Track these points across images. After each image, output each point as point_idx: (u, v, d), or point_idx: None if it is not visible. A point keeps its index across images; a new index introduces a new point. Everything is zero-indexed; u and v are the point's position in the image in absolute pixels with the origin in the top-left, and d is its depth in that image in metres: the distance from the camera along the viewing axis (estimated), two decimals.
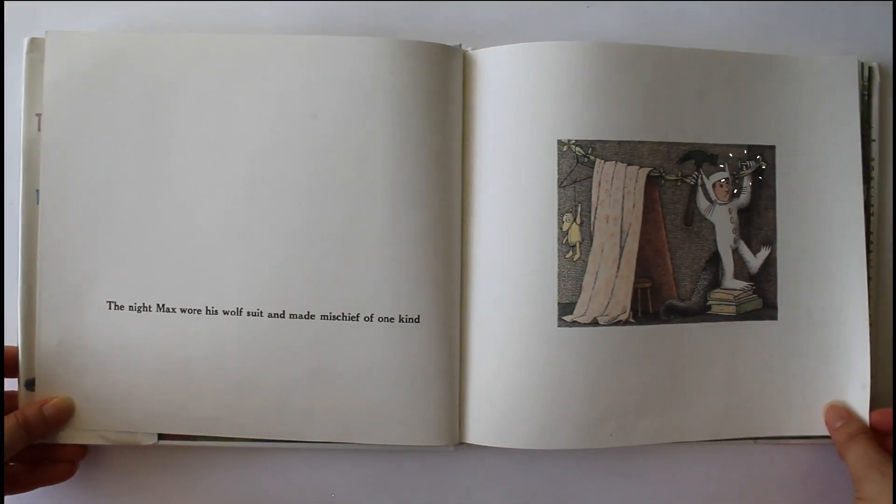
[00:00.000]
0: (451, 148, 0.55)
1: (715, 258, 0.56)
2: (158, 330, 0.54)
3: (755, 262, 0.57)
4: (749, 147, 0.57)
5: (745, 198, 0.57)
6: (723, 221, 0.57)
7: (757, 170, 0.57)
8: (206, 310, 0.54)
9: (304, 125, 0.54)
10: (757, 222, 0.57)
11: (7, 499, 0.53)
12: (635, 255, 0.56)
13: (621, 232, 0.55)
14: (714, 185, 0.56)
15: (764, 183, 0.57)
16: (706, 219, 0.56)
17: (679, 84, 0.56)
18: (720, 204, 0.57)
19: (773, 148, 0.57)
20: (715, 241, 0.57)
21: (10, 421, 0.51)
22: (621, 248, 0.55)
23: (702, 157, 0.56)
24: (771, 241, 0.57)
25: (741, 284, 0.57)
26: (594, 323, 0.55)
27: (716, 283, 0.56)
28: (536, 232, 0.54)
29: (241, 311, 0.54)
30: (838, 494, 0.58)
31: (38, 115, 0.54)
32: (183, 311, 0.54)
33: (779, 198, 0.57)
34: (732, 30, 0.58)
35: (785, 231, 0.57)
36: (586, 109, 0.54)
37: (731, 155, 0.56)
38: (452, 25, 0.58)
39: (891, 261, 0.58)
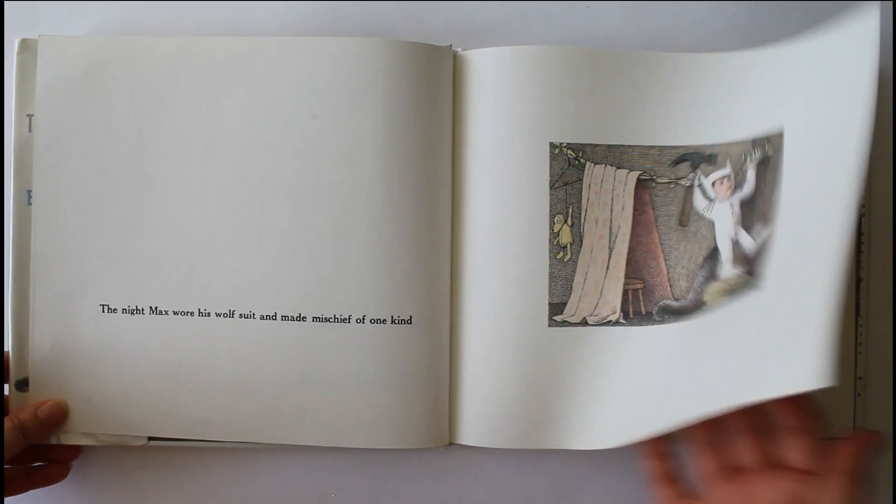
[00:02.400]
0: (442, 148, 0.55)
1: (713, 253, 0.56)
2: (151, 332, 0.54)
3: (754, 246, 0.55)
4: (754, 140, 0.55)
5: (748, 189, 0.55)
6: (723, 216, 0.55)
7: (763, 158, 0.55)
8: (199, 312, 0.54)
9: (296, 126, 0.54)
10: (760, 207, 0.55)
11: None
12: (625, 257, 0.55)
13: (610, 234, 0.55)
14: (714, 184, 0.56)
15: (770, 168, 0.55)
16: (704, 217, 0.56)
17: (672, 88, 0.55)
18: (721, 200, 0.56)
19: (780, 135, 0.55)
20: (714, 237, 0.56)
21: (5, 424, 0.51)
22: (610, 249, 0.55)
23: (698, 158, 0.56)
24: (771, 221, 0.55)
25: (737, 271, 0.55)
26: (584, 323, 0.55)
27: (713, 276, 0.55)
28: (528, 233, 0.54)
29: (233, 314, 0.54)
30: None
31: (30, 116, 0.54)
32: (175, 313, 0.54)
33: (785, 180, 0.54)
34: (732, 30, 0.58)
35: (786, 210, 0.53)
36: (577, 113, 0.54)
37: (733, 151, 0.55)
38: (452, 25, 0.58)
39: (887, 261, 0.58)
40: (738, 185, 0.55)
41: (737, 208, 0.55)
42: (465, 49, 0.55)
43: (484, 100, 0.55)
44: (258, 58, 0.54)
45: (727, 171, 0.55)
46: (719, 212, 0.56)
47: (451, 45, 0.55)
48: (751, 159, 0.55)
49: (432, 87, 0.54)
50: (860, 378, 0.57)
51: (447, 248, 0.55)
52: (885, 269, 0.58)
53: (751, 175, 0.55)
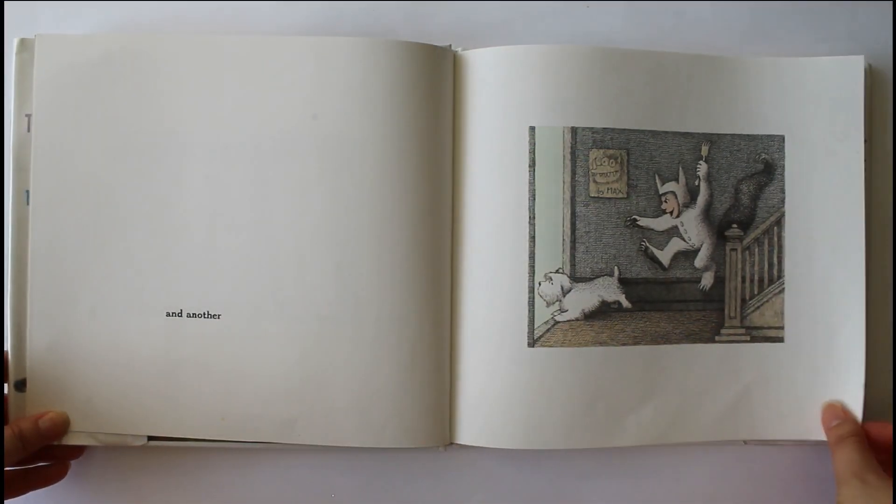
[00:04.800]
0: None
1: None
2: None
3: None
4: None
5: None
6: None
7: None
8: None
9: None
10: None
11: None
12: None
13: None
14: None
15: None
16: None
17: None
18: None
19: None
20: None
21: (6, 433, 0.50)
22: None
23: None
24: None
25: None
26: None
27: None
28: None
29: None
30: (832, 495, 0.58)
31: (28, 116, 0.54)
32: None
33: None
34: (733, 29, 0.58)
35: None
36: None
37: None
38: (452, 25, 0.58)
39: (888, 260, 0.58)
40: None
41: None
42: (465, 49, 0.55)
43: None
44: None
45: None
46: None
47: (451, 45, 0.55)
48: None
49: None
50: None
51: (448, 248, 0.55)
52: (886, 269, 0.58)
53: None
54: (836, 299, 0.56)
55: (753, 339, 0.56)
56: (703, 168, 0.56)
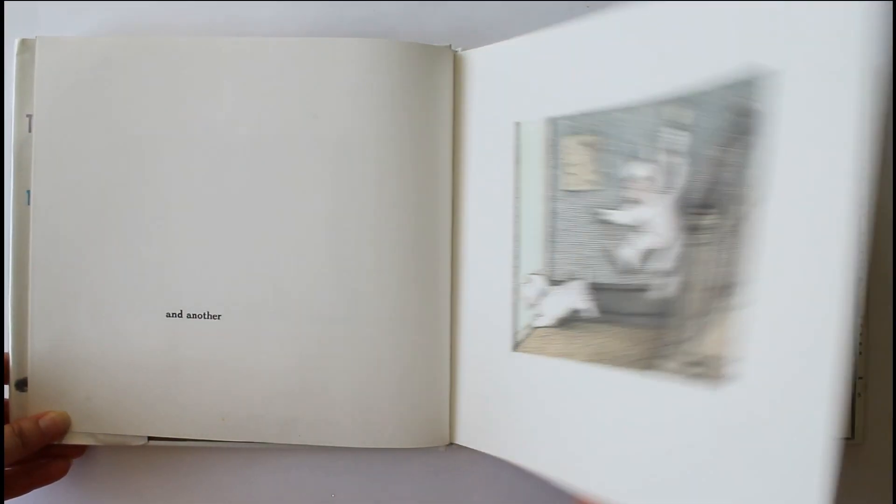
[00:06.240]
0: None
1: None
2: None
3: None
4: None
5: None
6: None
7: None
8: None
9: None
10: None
11: None
12: None
13: None
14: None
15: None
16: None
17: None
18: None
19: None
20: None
21: (6, 432, 0.51)
22: None
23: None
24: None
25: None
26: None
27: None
28: None
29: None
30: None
31: (29, 116, 0.54)
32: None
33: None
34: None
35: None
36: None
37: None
38: (452, 25, 0.58)
39: (887, 261, 0.58)
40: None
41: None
42: (464, 49, 0.55)
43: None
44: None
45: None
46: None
47: (450, 45, 0.55)
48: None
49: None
50: (860, 378, 0.57)
51: (447, 248, 0.55)
52: (886, 269, 0.58)
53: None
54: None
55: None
56: (680, 139, 0.45)
